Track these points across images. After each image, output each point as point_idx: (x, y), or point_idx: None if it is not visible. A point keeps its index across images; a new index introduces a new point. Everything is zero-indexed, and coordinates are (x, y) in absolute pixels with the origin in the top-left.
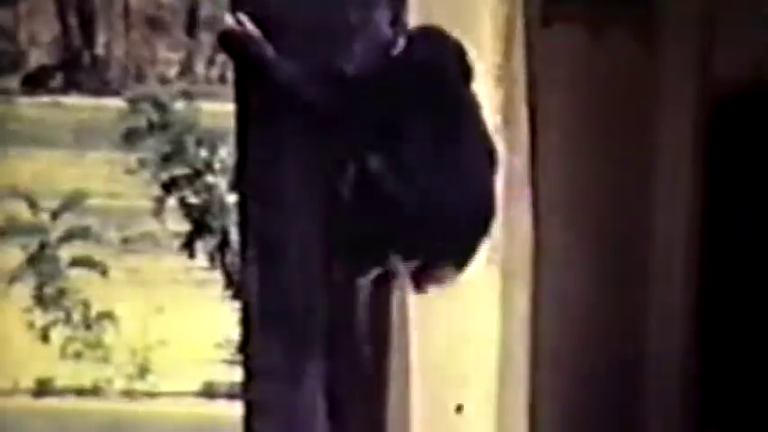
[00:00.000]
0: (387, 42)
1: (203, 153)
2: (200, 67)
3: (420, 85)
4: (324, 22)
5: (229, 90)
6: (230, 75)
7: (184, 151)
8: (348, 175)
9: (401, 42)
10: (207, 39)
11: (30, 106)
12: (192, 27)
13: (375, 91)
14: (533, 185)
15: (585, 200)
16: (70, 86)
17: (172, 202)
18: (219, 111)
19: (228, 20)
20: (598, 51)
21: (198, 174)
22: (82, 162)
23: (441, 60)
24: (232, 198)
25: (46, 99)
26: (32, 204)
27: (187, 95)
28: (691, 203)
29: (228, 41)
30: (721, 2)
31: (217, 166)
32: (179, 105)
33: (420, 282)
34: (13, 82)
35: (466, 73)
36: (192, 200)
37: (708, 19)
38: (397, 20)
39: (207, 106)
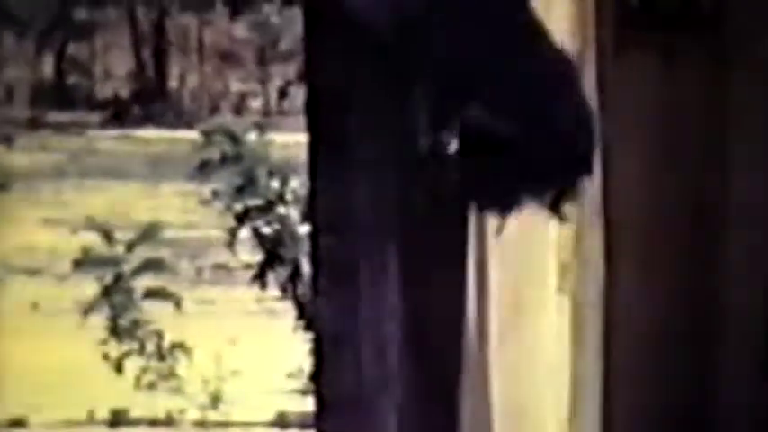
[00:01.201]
0: None
1: (275, 184)
2: (272, 99)
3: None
4: None
5: (301, 121)
6: (301, 106)
7: (257, 182)
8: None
9: None
10: (279, 71)
11: (105, 139)
12: (264, 59)
13: (443, 28)
14: (604, 216)
15: (653, 227)
16: (144, 119)
17: (244, 232)
18: (291, 142)
19: None
20: (671, 82)
21: (270, 205)
22: (156, 194)
23: None
24: (304, 229)
25: (121, 132)
26: (108, 236)
27: (259, 127)
28: (764, 234)
29: None
30: None
31: (289, 197)
32: (251, 137)
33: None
34: (89, 115)
35: None
36: (265, 230)
37: None
38: None
39: (279, 137)
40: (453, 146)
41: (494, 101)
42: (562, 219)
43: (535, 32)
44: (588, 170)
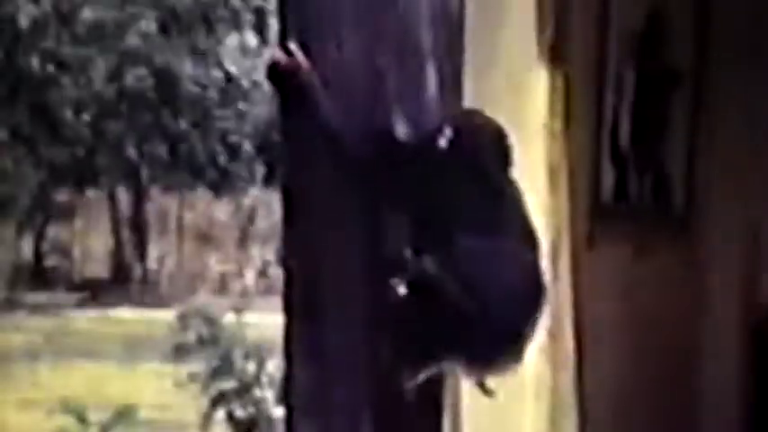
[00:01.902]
0: (434, 130)
1: (251, 367)
2: (249, 281)
3: (464, 176)
4: (373, 78)
5: (277, 302)
6: (279, 286)
7: (233, 365)
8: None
9: (448, 132)
10: (257, 252)
11: (81, 319)
12: (243, 241)
13: (421, 175)
14: (580, 403)
15: (630, 418)
16: (122, 300)
17: (220, 415)
18: (268, 323)
19: (277, 52)
20: (643, 270)
21: (246, 387)
22: (132, 375)
23: (484, 150)
24: (279, 412)
25: (98, 312)
26: (81, 418)
27: (237, 309)
28: (738, 423)
29: (276, 73)
30: (766, 222)
31: (264, 379)
32: (228, 319)
33: (478, 374)
34: (66, 296)
35: (506, 157)
36: (239, 414)
37: (751, 239)
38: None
39: (256, 319)
40: (401, 288)
41: (450, 262)
42: (487, 393)
43: (513, 204)
44: (521, 352)
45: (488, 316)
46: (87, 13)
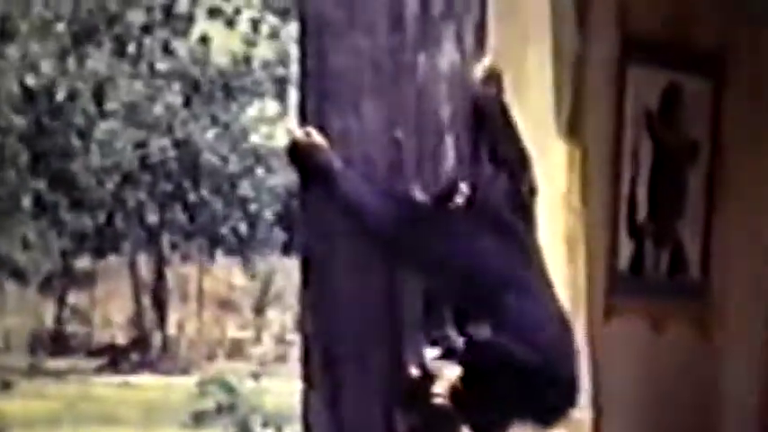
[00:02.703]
0: (450, 184)
1: None
2: (268, 346)
3: (485, 231)
4: (391, 149)
5: (296, 368)
6: (296, 353)
7: None
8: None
9: (464, 188)
10: (275, 316)
11: (101, 386)
12: (260, 307)
13: (443, 234)
14: None
15: None
16: (141, 366)
17: None
18: (285, 390)
19: (296, 131)
20: (660, 345)
21: None
22: None
23: (501, 204)
24: None
25: (116, 379)
26: None
27: (255, 376)
28: None
29: (296, 152)
30: None
31: None
32: (247, 386)
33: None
34: (86, 362)
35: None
36: None
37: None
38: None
39: (273, 385)
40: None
41: (505, 327)
42: None
43: (544, 277)
44: (568, 405)
45: (550, 365)
46: (119, 91)
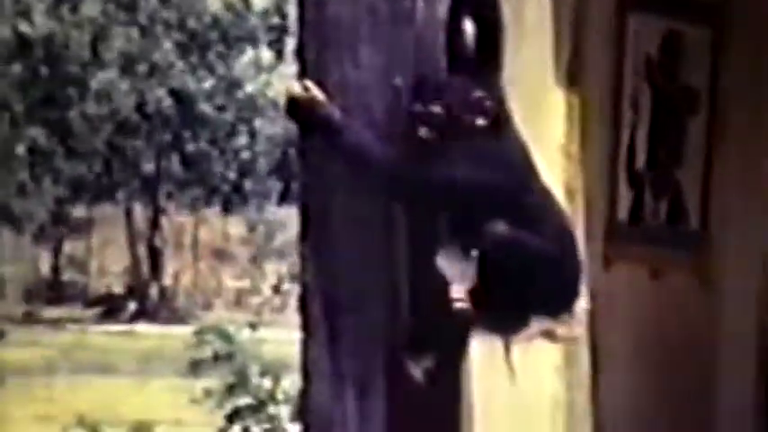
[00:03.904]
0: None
1: (267, 383)
2: (265, 296)
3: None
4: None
5: (294, 319)
6: (293, 303)
7: (248, 381)
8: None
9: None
10: (272, 268)
11: (98, 335)
12: (257, 257)
13: (451, 158)
14: (594, 426)
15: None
16: (138, 316)
17: (235, 431)
18: (283, 339)
19: (295, 86)
20: (658, 293)
21: (261, 404)
22: (147, 390)
23: (508, 136)
24: (295, 429)
25: (114, 328)
26: None
27: (252, 326)
28: None
29: (295, 108)
30: None
31: (280, 396)
32: (244, 335)
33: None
34: (82, 311)
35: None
36: (255, 430)
37: (766, 261)
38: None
39: (271, 335)
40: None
41: (517, 221)
42: (512, 369)
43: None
44: (578, 295)
45: (562, 254)
46: (115, 42)
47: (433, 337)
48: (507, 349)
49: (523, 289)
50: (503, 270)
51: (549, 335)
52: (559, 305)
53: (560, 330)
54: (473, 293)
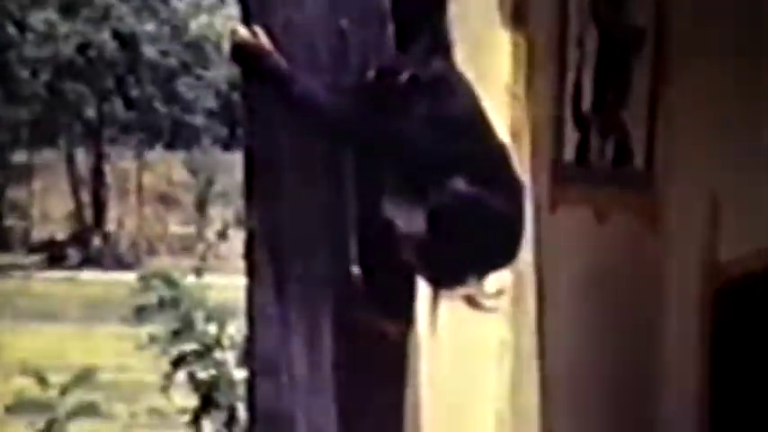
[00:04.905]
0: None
1: (212, 329)
2: (209, 242)
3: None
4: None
5: (239, 264)
6: (238, 249)
7: (194, 327)
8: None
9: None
10: (217, 213)
11: (40, 281)
12: (202, 202)
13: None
14: (540, 368)
15: (592, 383)
16: (82, 262)
17: (180, 377)
18: (229, 285)
19: (241, 32)
20: (604, 234)
21: (207, 349)
22: (91, 337)
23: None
24: (240, 374)
25: (57, 274)
26: (41, 380)
27: (197, 271)
28: (697, 391)
29: (240, 54)
30: (724, 189)
31: (225, 341)
32: (189, 281)
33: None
34: (25, 258)
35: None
36: (201, 375)
37: (711, 203)
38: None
39: (216, 281)
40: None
41: (473, 176)
42: (486, 308)
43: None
44: (515, 256)
45: (511, 209)
46: None
47: (380, 285)
48: (435, 303)
49: (471, 246)
50: (455, 226)
51: (470, 300)
52: (497, 264)
53: (482, 299)
54: (419, 243)
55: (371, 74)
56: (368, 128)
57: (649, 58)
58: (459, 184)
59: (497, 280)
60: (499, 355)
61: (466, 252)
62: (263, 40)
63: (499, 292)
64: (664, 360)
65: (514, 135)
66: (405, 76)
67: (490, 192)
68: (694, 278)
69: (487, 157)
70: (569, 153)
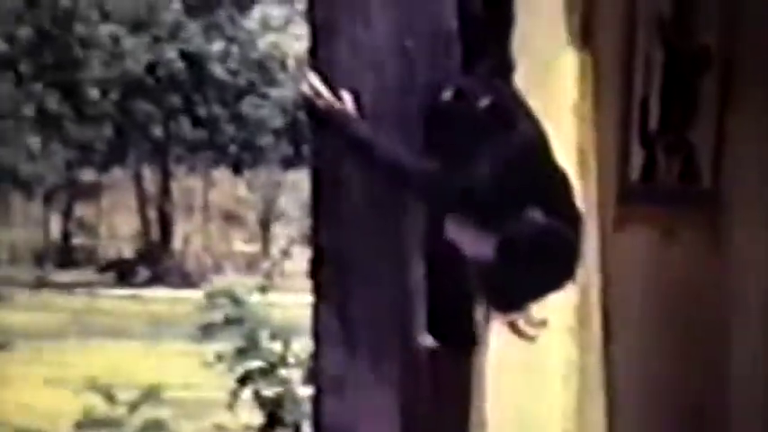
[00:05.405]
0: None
1: (277, 346)
2: (274, 259)
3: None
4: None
5: (303, 283)
6: (302, 267)
7: (259, 345)
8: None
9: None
10: (282, 232)
11: (107, 299)
12: (266, 220)
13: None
14: (607, 388)
15: (660, 403)
16: (148, 279)
17: (245, 394)
18: (293, 303)
19: (326, 95)
20: (670, 253)
21: (272, 367)
22: (158, 354)
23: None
24: (306, 392)
25: (125, 291)
26: (110, 397)
27: (262, 289)
28: (766, 415)
29: (321, 114)
30: None
31: (291, 359)
32: (254, 299)
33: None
34: (92, 275)
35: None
36: (266, 393)
37: None
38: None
39: (281, 299)
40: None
41: (548, 206)
42: (530, 338)
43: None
44: (573, 277)
45: (579, 244)
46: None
47: (446, 309)
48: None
49: (539, 274)
50: (530, 255)
51: (513, 326)
52: (553, 290)
53: (524, 326)
54: (486, 269)
55: (448, 95)
56: (450, 185)
57: (716, 75)
58: (537, 214)
59: (556, 302)
60: (566, 375)
61: (532, 279)
62: (349, 105)
63: (543, 323)
64: (734, 377)
65: (581, 154)
66: (485, 102)
67: (562, 220)
68: (763, 297)
69: (556, 186)
70: (635, 172)
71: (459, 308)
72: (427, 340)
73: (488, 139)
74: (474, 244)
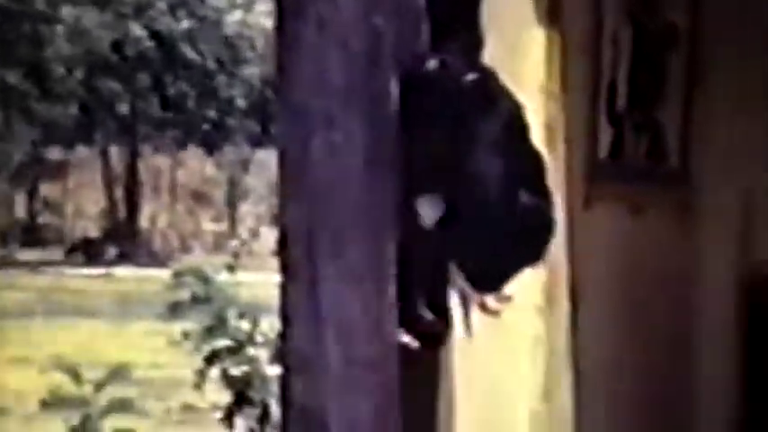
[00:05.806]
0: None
1: (245, 325)
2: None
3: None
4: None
5: (271, 262)
6: (270, 246)
7: (227, 323)
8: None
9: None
10: (249, 211)
11: (74, 278)
12: (234, 200)
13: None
14: (575, 365)
15: (623, 379)
16: (115, 258)
17: (213, 373)
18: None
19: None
20: (638, 231)
21: (240, 346)
22: (125, 333)
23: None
24: (274, 371)
25: (91, 271)
26: (76, 376)
27: (230, 268)
28: (732, 386)
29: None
30: (759, 186)
31: (259, 338)
32: (222, 278)
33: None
34: (59, 254)
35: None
36: (234, 372)
37: (746, 199)
38: None
39: (249, 278)
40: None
41: (529, 183)
42: (495, 314)
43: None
44: (545, 254)
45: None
46: None
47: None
48: (466, 309)
49: (521, 252)
50: (515, 235)
51: (482, 305)
52: (527, 266)
53: (491, 302)
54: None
55: (433, 63)
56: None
57: (684, 54)
58: (524, 196)
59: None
60: (533, 353)
61: (514, 259)
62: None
63: (508, 298)
64: (698, 356)
65: (549, 132)
66: (471, 76)
67: (542, 198)
68: (729, 275)
69: (537, 164)
70: (603, 150)
71: (433, 289)
72: (404, 337)
73: (473, 114)
74: (433, 214)
